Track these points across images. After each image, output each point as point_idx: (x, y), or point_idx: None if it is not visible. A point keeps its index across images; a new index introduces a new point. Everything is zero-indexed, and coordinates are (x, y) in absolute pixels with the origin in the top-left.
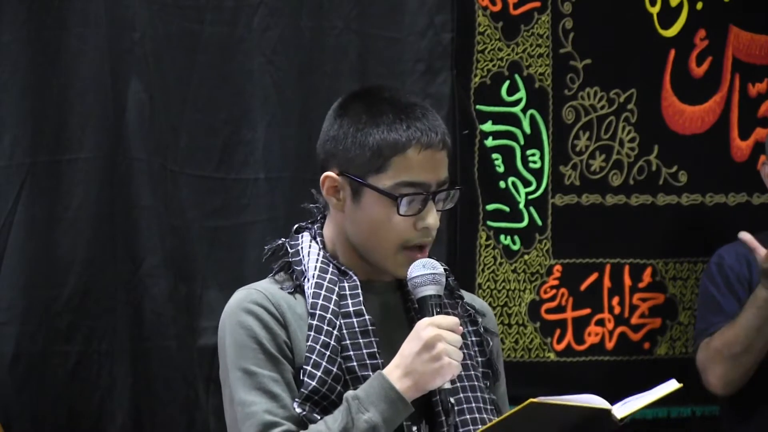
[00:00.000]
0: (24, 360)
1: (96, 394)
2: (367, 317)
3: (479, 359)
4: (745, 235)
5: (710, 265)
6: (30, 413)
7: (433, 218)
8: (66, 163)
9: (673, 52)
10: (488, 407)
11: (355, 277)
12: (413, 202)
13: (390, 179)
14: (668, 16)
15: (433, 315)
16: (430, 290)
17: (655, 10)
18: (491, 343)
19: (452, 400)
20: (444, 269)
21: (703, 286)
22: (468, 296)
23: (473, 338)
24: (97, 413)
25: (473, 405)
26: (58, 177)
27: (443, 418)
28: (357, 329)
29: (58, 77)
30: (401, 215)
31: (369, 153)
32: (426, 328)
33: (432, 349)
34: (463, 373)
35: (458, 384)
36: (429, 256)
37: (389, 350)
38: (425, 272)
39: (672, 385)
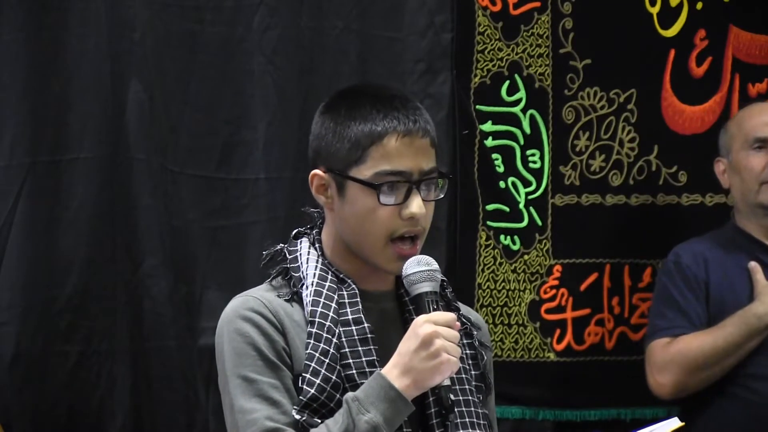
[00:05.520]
0: (24, 360)
1: (96, 394)
2: (366, 325)
3: (473, 372)
4: (753, 264)
5: (667, 263)
6: (30, 413)
7: (417, 206)
8: (66, 163)
9: (673, 52)
10: (481, 422)
11: (353, 285)
12: (395, 191)
13: (369, 169)
14: (668, 16)
15: (429, 312)
16: (426, 287)
17: (655, 10)
18: (485, 357)
19: (452, 396)
20: (442, 280)
21: (660, 283)
22: (464, 309)
23: (468, 351)
24: (97, 413)
25: (467, 420)
26: (58, 177)
27: (439, 420)
28: (356, 337)
29: (58, 77)
30: (382, 204)
31: (348, 145)
32: (423, 325)
33: (429, 346)
34: (458, 387)
35: (453, 398)
36: (427, 257)
37: (388, 358)
38: (420, 269)
39: (674, 423)
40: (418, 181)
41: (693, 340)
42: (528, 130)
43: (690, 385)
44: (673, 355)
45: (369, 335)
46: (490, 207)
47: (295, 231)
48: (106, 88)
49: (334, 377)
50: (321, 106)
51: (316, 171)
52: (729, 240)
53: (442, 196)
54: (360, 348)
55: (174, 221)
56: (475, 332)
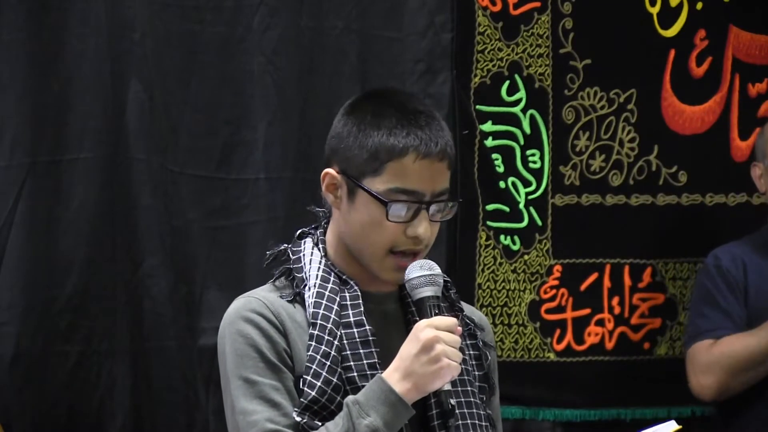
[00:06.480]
0: (24, 360)
1: (96, 394)
2: (367, 327)
3: (476, 373)
4: None
5: (707, 265)
6: (30, 413)
7: (423, 228)
8: (66, 163)
9: (673, 52)
10: (483, 423)
11: (355, 287)
12: (404, 209)
13: (383, 184)
14: (668, 16)
15: (431, 316)
16: (427, 291)
17: (655, 10)
18: (489, 358)
19: (452, 401)
20: (446, 281)
21: (700, 284)
22: (467, 309)
23: (471, 352)
24: (97, 413)
25: (468, 422)
26: (58, 177)
27: (441, 423)
28: (357, 339)
29: (58, 77)
30: (389, 221)
31: (366, 155)
32: (424, 329)
33: (430, 351)
34: (459, 388)
35: (454, 400)
36: (430, 261)
37: (389, 360)
38: (422, 273)
39: (671, 426)
40: (429, 203)
41: (736, 341)
42: (528, 130)
43: (733, 387)
44: (718, 357)
45: (370, 337)
46: (490, 207)
47: (299, 231)
48: (106, 88)
49: (334, 379)
50: (347, 104)
51: (329, 170)
52: (765, 244)
53: (450, 217)
54: (361, 350)
55: (174, 221)
56: (478, 333)
